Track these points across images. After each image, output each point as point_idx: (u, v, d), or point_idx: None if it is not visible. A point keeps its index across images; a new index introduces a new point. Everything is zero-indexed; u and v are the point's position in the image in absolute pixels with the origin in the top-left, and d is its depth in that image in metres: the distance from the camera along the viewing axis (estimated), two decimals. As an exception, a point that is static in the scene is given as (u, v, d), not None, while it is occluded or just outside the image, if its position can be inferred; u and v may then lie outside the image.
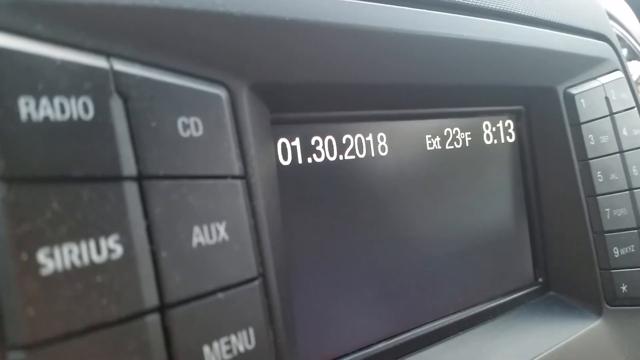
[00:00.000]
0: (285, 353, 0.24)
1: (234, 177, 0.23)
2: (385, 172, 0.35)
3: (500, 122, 0.44)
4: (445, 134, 0.39)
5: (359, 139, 0.33)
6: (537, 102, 0.44)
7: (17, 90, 0.16)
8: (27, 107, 0.16)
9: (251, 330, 0.22)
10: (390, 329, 0.35)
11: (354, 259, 0.33)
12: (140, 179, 0.19)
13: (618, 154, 0.44)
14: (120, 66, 0.19)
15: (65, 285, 0.17)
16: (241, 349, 0.21)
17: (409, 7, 0.31)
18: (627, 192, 0.44)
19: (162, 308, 0.19)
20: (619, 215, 0.43)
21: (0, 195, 0.16)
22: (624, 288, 0.43)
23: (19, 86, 0.16)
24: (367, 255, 0.34)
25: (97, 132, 0.18)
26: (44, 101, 0.17)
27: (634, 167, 0.44)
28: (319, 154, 0.31)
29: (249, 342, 0.22)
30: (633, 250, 0.43)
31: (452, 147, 0.40)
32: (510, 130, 0.45)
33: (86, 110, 0.18)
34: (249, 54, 0.24)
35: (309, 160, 0.31)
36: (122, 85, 0.19)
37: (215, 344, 0.20)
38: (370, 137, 0.34)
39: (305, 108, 0.30)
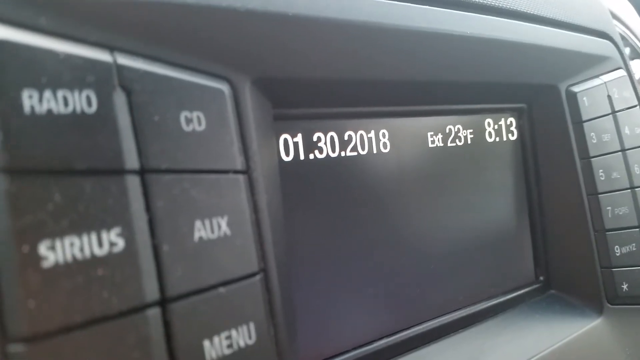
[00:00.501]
0: (286, 348, 0.24)
1: (236, 172, 0.23)
2: (386, 169, 0.35)
3: (503, 119, 0.44)
4: (447, 131, 0.39)
5: (361, 135, 0.33)
6: (540, 99, 0.44)
7: (21, 83, 0.16)
8: (30, 100, 0.16)
9: (252, 325, 0.22)
10: (391, 326, 0.35)
11: (355, 256, 0.33)
12: (143, 172, 0.19)
13: (620, 152, 0.44)
14: (123, 60, 0.19)
15: (66, 278, 0.17)
16: (241, 343, 0.21)
17: (412, 3, 0.31)
18: (629, 190, 0.44)
19: (163, 302, 0.19)
20: (621, 213, 0.43)
21: (3, 187, 0.16)
22: (625, 287, 0.43)
23: (23, 79, 0.16)
24: (368, 252, 0.34)
25: (100, 125, 0.18)
26: (48, 94, 0.17)
27: (635, 165, 0.44)
28: (321, 150, 0.31)
29: (250, 337, 0.22)
30: (634, 249, 0.43)
31: (454, 144, 0.40)
32: (513, 128, 0.45)
33: (89, 103, 0.18)
34: (252, 49, 0.24)
35: (311, 156, 0.31)
36: (126, 79, 0.19)
37: (216, 339, 0.20)
38: (372, 134, 0.34)
39: (307, 104, 0.30)
